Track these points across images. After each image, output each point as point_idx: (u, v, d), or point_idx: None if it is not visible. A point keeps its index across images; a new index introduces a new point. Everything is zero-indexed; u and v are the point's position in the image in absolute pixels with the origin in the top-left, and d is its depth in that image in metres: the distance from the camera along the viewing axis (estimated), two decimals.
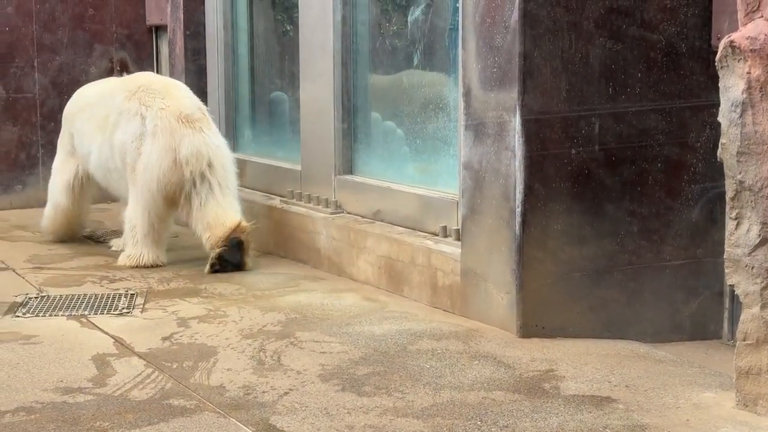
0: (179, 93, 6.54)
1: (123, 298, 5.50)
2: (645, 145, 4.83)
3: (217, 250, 6.15)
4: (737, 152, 3.65)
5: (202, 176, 6.27)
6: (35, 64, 8.45)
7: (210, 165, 6.29)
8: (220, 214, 6.24)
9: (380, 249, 5.66)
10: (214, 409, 3.82)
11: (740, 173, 3.65)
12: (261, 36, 7.52)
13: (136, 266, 6.28)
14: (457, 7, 5.18)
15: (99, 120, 6.67)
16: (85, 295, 5.60)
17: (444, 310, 5.17)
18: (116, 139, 6.47)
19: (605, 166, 4.78)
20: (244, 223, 6.22)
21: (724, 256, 3.77)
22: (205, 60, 7.67)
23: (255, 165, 7.23)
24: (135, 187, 6.33)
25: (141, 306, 5.35)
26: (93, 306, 5.36)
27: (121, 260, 6.36)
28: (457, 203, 5.22)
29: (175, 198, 6.29)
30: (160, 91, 6.47)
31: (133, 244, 6.34)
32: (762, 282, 3.65)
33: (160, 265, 6.33)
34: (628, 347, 4.63)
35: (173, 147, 6.25)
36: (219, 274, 6.08)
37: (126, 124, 6.43)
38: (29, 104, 8.48)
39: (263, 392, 3.99)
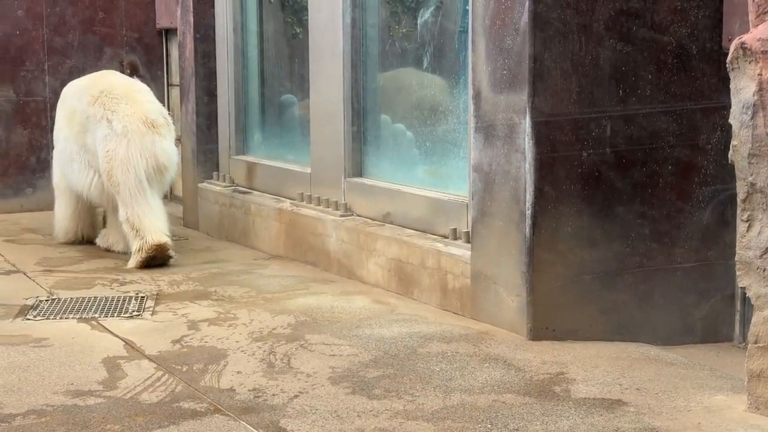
0: (142, 98, 6.70)
1: (133, 301, 5.51)
2: (656, 147, 4.82)
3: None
4: (748, 154, 3.63)
5: (166, 183, 6.64)
6: (45, 67, 8.48)
7: (171, 175, 6.66)
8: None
9: (390, 251, 5.66)
10: (224, 412, 3.82)
11: (752, 175, 3.64)
12: (271, 39, 7.53)
13: (146, 257, 6.32)
14: (467, 10, 5.17)
15: (68, 114, 6.88)
16: (95, 297, 5.60)
17: (454, 313, 5.16)
18: (89, 144, 6.64)
19: (616, 168, 4.77)
20: (165, 242, 6.43)
21: (736, 259, 3.76)
22: (215, 63, 7.68)
23: (265, 167, 7.24)
24: (116, 186, 6.47)
25: (151, 309, 5.36)
26: (103, 309, 5.36)
27: (131, 263, 6.38)
28: (467, 205, 5.21)
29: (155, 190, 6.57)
30: (123, 96, 6.63)
31: (134, 236, 6.41)
32: None
33: (166, 242, 6.38)
34: (638, 350, 4.61)
35: (148, 148, 6.47)
36: (230, 278, 6.09)
37: (94, 129, 6.60)
38: (39, 108, 8.50)
39: (273, 395, 3.99)
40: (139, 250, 6.36)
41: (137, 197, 6.45)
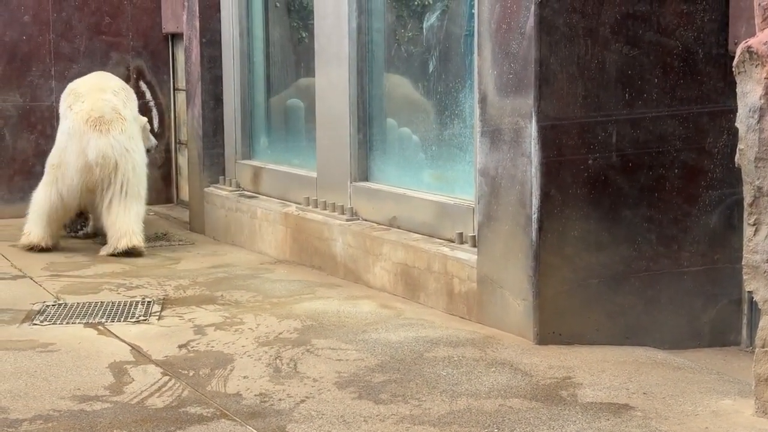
0: (98, 96, 7.02)
1: (140, 306, 5.51)
2: (662, 150, 4.82)
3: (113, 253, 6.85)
4: (755, 158, 3.62)
5: (109, 177, 6.82)
6: (52, 72, 8.48)
7: (116, 167, 6.83)
8: (122, 222, 6.84)
9: (396, 256, 5.66)
10: (231, 417, 3.82)
11: (758, 179, 3.63)
12: (277, 44, 7.54)
13: (28, 244, 6.94)
14: (473, 14, 5.17)
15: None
16: (101, 302, 5.61)
17: (460, 317, 5.16)
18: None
19: (622, 172, 4.76)
20: (139, 243, 6.84)
21: (743, 263, 3.75)
22: (221, 68, 7.69)
23: (271, 172, 7.24)
24: (48, 175, 6.96)
25: (158, 314, 5.36)
26: (110, 314, 5.37)
27: (21, 240, 7.07)
28: (473, 210, 5.21)
29: (91, 192, 6.90)
30: (83, 94, 7.04)
31: (29, 222, 7.01)
32: None
33: (45, 248, 6.92)
34: (645, 354, 4.60)
35: (82, 148, 6.80)
36: (236, 283, 6.10)
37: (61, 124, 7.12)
38: (45, 113, 8.51)
39: (280, 400, 3.99)
40: (24, 234, 7.03)
41: (50, 187, 6.91)
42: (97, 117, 6.85)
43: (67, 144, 6.90)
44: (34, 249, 6.99)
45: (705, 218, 4.90)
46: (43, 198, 7.00)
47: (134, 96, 7.47)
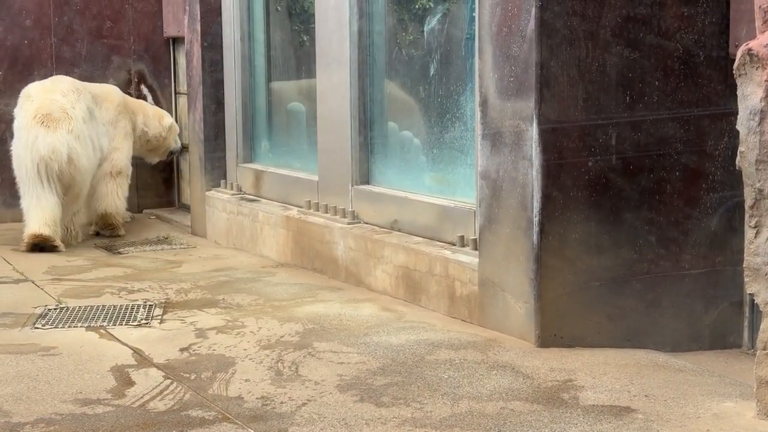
0: (46, 96, 7.22)
1: (141, 309, 5.52)
2: (663, 153, 4.82)
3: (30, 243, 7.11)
4: (756, 160, 3.63)
5: (56, 175, 7.03)
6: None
7: (69, 163, 7.04)
8: (38, 214, 7.05)
9: (397, 259, 5.66)
10: (232, 420, 3.83)
11: (759, 181, 3.63)
12: (278, 47, 7.55)
13: (26, 245, 7.05)
14: (474, 17, 5.18)
15: None
16: (103, 306, 5.61)
17: (462, 320, 5.16)
18: None
19: (623, 174, 4.76)
20: (41, 232, 7.02)
21: (744, 265, 3.75)
22: (222, 71, 7.70)
23: (272, 175, 7.25)
24: (17, 179, 7.19)
25: (159, 317, 5.36)
26: (112, 317, 5.37)
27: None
28: (475, 213, 5.22)
29: (51, 186, 7.06)
30: (33, 95, 7.28)
31: (25, 225, 7.14)
32: None
33: (44, 236, 7.01)
34: (647, 357, 4.61)
35: (32, 142, 7.00)
36: (238, 286, 6.10)
37: None
38: None
39: (281, 403, 4.00)
40: (23, 238, 7.05)
41: (26, 190, 7.09)
42: (45, 114, 7.07)
43: (16, 142, 7.16)
44: (36, 240, 7.03)
45: (706, 221, 4.91)
46: (22, 195, 7.18)
47: (90, 98, 7.54)
